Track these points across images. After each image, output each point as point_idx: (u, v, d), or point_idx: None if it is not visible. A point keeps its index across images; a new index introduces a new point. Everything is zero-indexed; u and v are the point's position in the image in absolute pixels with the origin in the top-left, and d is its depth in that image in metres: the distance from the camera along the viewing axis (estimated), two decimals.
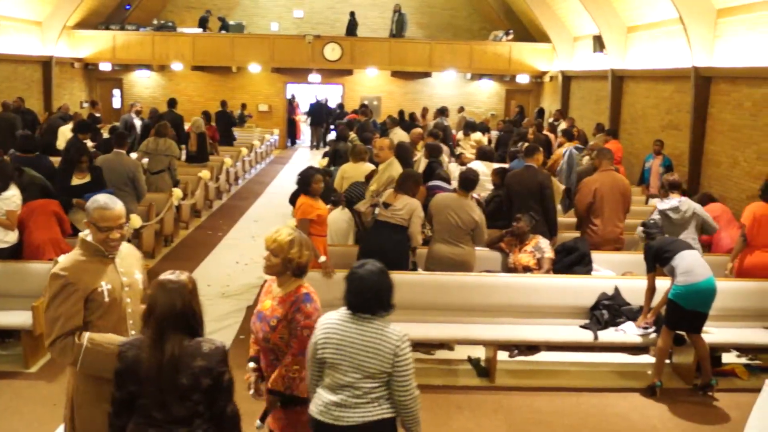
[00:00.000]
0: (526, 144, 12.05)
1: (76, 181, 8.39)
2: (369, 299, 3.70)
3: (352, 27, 24.39)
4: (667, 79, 14.74)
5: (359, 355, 3.63)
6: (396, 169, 8.31)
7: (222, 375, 3.30)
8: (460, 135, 15.83)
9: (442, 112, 17.81)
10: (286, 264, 3.94)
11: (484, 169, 9.81)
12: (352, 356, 3.64)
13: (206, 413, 3.31)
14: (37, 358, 6.87)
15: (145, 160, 11.31)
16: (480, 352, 7.13)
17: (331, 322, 3.75)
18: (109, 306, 3.75)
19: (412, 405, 3.68)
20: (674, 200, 7.64)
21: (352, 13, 24.65)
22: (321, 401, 3.70)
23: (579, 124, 16.99)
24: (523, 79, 24.24)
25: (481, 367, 6.96)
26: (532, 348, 7.27)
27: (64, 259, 3.78)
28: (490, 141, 15.74)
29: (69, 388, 3.85)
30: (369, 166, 8.89)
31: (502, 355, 7.00)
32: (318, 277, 6.64)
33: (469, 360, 7.12)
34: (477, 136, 14.71)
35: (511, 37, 23.96)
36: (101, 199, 3.82)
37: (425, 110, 19.83)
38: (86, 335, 3.64)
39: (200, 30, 24.54)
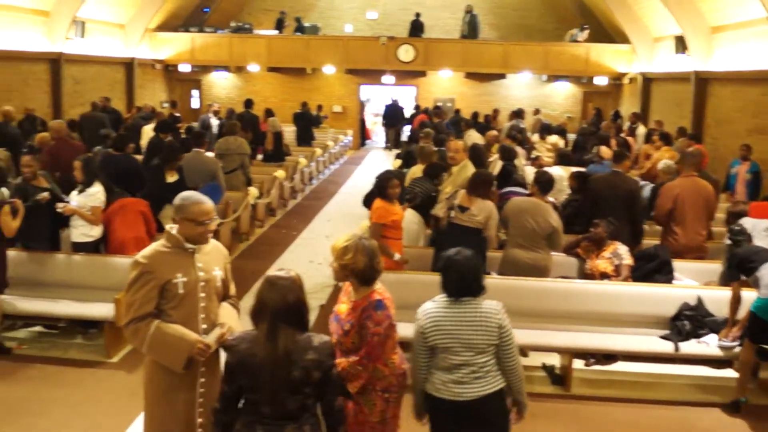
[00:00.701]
0: (602, 147, 11.84)
1: (169, 179, 8.63)
2: (470, 283, 4.05)
3: (417, 28, 24.29)
4: (755, 81, 14.24)
5: (469, 335, 3.96)
6: (470, 171, 8.23)
7: (331, 369, 3.44)
8: (535, 137, 15.60)
9: (518, 114, 17.59)
10: (343, 270, 3.98)
11: (562, 173, 9.63)
12: (462, 337, 3.97)
13: (314, 407, 3.43)
14: (118, 348, 7.10)
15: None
16: (555, 360, 6.99)
17: (434, 311, 4.06)
18: (183, 298, 3.87)
19: (519, 370, 4.08)
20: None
21: (417, 14, 24.58)
22: (440, 381, 4.04)
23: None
24: (601, 80, 23.74)
25: (556, 375, 6.82)
26: (609, 357, 7.07)
27: (147, 249, 3.95)
28: (566, 144, 15.47)
29: (144, 371, 4.03)
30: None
31: (578, 364, 6.83)
32: (393, 279, 6.62)
33: (544, 367, 6.99)
34: (553, 138, 14.45)
35: (586, 33, 23.48)
36: (194, 195, 3.99)
37: (496, 112, 19.64)
38: (155, 323, 3.80)
39: (276, 32, 24.87)
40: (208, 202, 3.97)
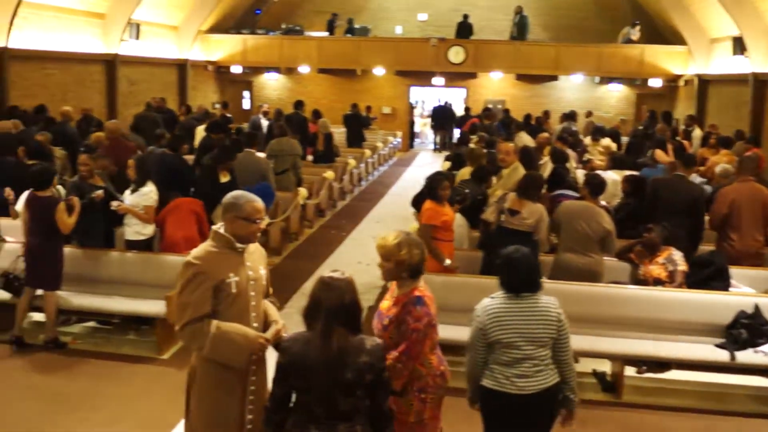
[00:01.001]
0: (658, 150, 11.61)
1: (222, 179, 8.74)
2: (530, 278, 4.21)
3: (464, 29, 24.15)
4: None
5: (531, 329, 4.11)
6: (521, 174, 8.15)
7: (383, 372, 3.46)
8: (587, 140, 15.37)
9: (570, 116, 17.36)
10: (400, 267, 3.99)
11: (615, 177, 9.47)
12: (524, 331, 4.10)
13: (365, 409, 3.43)
14: (169, 345, 7.19)
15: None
16: (606, 366, 6.85)
17: (495, 307, 4.17)
18: (235, 297, 3.87)
19: (572, 362, 4.27)
20: None
21: (465, 16, 24.42)
22: (502, 376, 4.15)
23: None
24: (655, 83, 23.28)
25: (606, 382, 6.70)
26: (662, 365, 6.89)
27: (197, 249, 3.94)
28: (619, 147, 15.22)
29: (190, 372, 4.03)
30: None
31: (630, 371, 6.70)
32: (439, 281, 6.59)
33: (595, 374, 6.87)
34: (606, 141, 14.22)
35: (638, 29, 23.05)
36: (246, 194, 4.00)
37: (546, 114, 19.40)
38: (214, 323, 3.78)
39: (327, 34, 24.99)
40: (260, 201, 3.99)
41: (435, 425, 4.18)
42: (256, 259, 4.06)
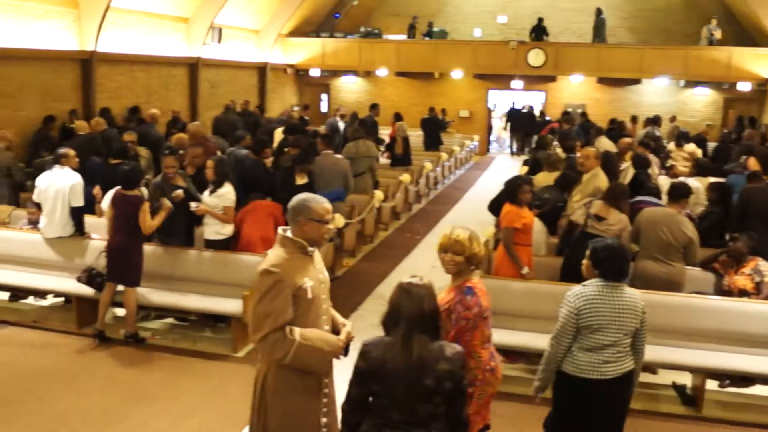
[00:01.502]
0: (751, 158, 11.18)
1: (299, 181, 8.83)
2: (623, 267, 4.44)
3: (540, 31, 23.79)
4: None
5: (622, 317, 4.32)
6: (601, 179, 7.99)
7: (462, 379, 3.44)
8: (671, 146, 14.96)
9: (654, 121, 16.93)
10: (471, 260, 4.06)
11: (698, 185, 9.18)
12: (615, 319, 4.31)
13: (442, 416, 3.42)
14: (244, 343, 7.28)
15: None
16: (686, 379, 6.65)
17: (590, 293, 4.35)
18: (311, 302, 3.82)
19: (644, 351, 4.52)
20: None
21: (540, 19, 24.07)
22: (584, 362, 4.36)
23: None
24: (744, 86, 22.38)
25: (686, 395, 6.48)
26: (745, 379, 6.65)
27: (271, 257, 3.83)
28: (705, 153, 14.77)
29: (258, 378, 3.94)
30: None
31: (712, 385, 6.48)
32: (519, 288, 6.53)
33: (674, 386, 6.66)
34: (690, 147, 13.80)
35: (715, 22, 22.28)
36: (313, 195, 3.98)
37: (634, 119, 18.94)
38: (297, 330, 3.71)
39: (404, 37, 25.04)
40: (327, 201, 3.97)
41: (478, 422, 4.13)
42: (319, 261, 4.04)
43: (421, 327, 3.38)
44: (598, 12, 23.32)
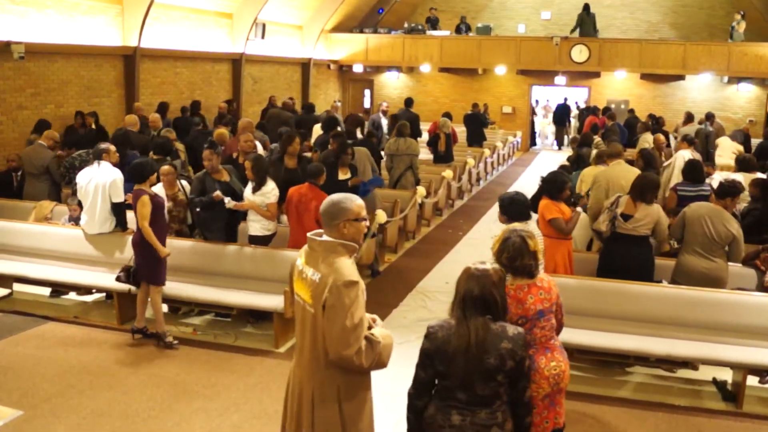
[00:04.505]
0: None
1: (341, 176, 8.90)
2: (524, 210, 5.21)
3: (587, 23, 23.35)
4: None
5: None
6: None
7: (524, 359, 3.56)
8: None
9: (708, 118, 16.61)
10: (537, 260, 4.28)
11: (741, 181, 9.01)
12: None
13: (505, 395, 3.56)
14: (286, 339, 7.32)
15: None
16: (727, 375, 6.58)
17: None
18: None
19: None
20: None
21: (586, 6, 23.30)
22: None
23: None
24: None
25: (727, 391, 6.42)
26: None
27: (343, 266, 3.63)
28: (748, 150, 14.49)
29: (296, 383, 3.93)
30: (626, 168, 8.35)
31: (752, 380, 6.40)
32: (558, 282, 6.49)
33: (715, 382, 6.60)
34: (726, 143, 13.59)
35: (738, 16, 21.79)
36: (347, 195, 3.83)
37: (689, 116, 18.43)
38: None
39: (447, 33, 24.96)
40: (358, 198, 3.85)
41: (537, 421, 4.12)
42: None
43: (474, 307, 3.52)
44: (585, 7, 22.85)
